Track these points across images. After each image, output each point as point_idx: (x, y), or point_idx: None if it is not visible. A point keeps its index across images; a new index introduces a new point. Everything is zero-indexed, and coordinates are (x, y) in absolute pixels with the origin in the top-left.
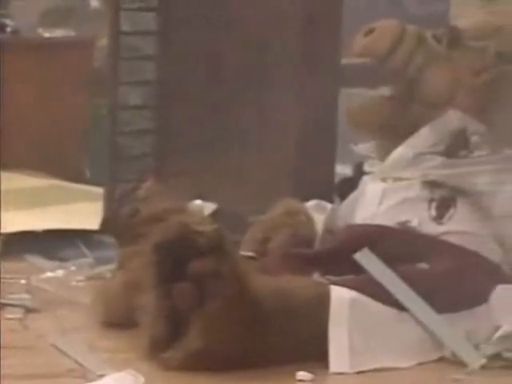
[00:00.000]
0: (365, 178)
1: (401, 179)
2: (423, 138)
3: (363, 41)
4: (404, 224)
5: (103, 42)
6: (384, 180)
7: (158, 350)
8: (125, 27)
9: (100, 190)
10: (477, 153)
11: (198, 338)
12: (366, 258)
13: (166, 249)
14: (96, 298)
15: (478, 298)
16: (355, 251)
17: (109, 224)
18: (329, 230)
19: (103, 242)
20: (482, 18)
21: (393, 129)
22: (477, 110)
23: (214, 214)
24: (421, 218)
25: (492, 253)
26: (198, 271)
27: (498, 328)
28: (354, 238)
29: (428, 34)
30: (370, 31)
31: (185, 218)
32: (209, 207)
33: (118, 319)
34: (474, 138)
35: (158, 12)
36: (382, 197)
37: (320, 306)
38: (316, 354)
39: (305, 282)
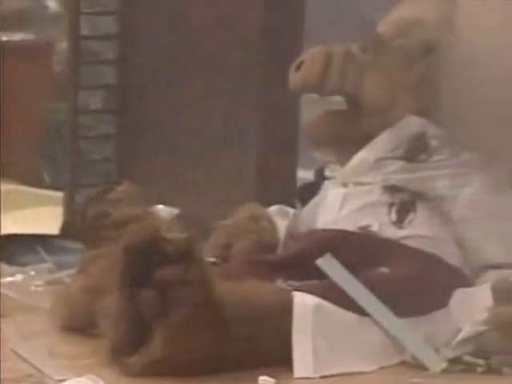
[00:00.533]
0: (326, 183)
1: (362, 184)
2: (383, 142)
3: (295, 76)
4: (365, 228)
5: (63, 45)
6: (345, 185)
7: (120, 355)
8: (85, 31)
9: (60, 195)
10: (436, 157)
11: (162, 344)
12: (328, 263)
13: (135, 252)
14: (56, 302)
15: (439, 301)
16: (318, 256)
17: (69, 228)
18: (291, 236)
19: (63, 246)
20: (398, 14)
21: (348, 140)
22: (419, 107)
23: (176, 219)
24: (381, 223)
25: (452, 256)
26: (165, 279)
27: (458, 331)
28: (316, 244)
29: (354, 48)
30: (299, 65)
31: (156, 223)
32: (170, 212)
33: (79, 324)
34: (434, 143)
35: (118, 16)
36: (343, 201)
37: (283, 312)
38: (280, 360)
39: (268, 288)
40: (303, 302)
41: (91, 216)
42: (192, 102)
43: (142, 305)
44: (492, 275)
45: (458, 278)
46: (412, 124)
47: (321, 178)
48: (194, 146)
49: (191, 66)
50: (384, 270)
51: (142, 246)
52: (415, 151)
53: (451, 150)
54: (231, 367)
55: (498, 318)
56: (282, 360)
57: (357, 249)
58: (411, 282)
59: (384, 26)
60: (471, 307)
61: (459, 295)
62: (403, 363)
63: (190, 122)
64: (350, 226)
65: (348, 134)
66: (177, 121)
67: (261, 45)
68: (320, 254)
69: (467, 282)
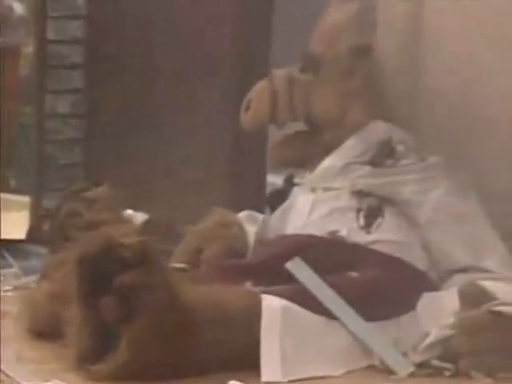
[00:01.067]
0: (295, 190)
1: (330, 189)
2: (350, 148)
3: (245, 117)
4: (334, 234)
5: (30, 49)
6: (314, 190)
7: (85, 362)
8: (52, 35)
9: (26, 200)
10: (403, 161)
11: (127, 350)
12: (297, 267)
13: (90, 263)
14: (22, 307)
15: (406, 305)
16: (287, 261)
17: (36, 233)
18: (260, 241)
19: (30, 251)
20: (323, 28)
21: (313, 156)
22: (372, 110)
23: (146, 225)
24: (350, 228)
25: (419, 260)
26: (124, 284)
27: (425, 335)
28: (285, 249)
29: (294, 71)
30: (248, 105)
31: (110, 231)
32: (140, 217)
33: (44, 328)
34: (400, 148)
35: (86, 20)
36: (312, 207)
37: (252, 316)
38: (248, 363)
39: (236, 291)
40: (271, 305)
41: (64, 213)
42: (160, 106)
43: (104, 312)
44: (459, 279)
45: (425, 282)
46: (378, 129)
47: (290, 184)
48: (162, 151)
49: (160, 70)
50: (353, 274)
51: (94, 256)
52: (382, 156)
53: (417, 155)
54: (199, 371)
55: (465, 322)
56: (251, 364)
57: (325, 254)
58: (379, 286)
59: (313, 42)
60: (438, 311)
61: (426, 299)
62: (371, 367)
63: (159, 127)
64: (319, 231)
65: (311, 150)
66: (145, 125)
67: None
68: (289, 258)
69: (434, 286)
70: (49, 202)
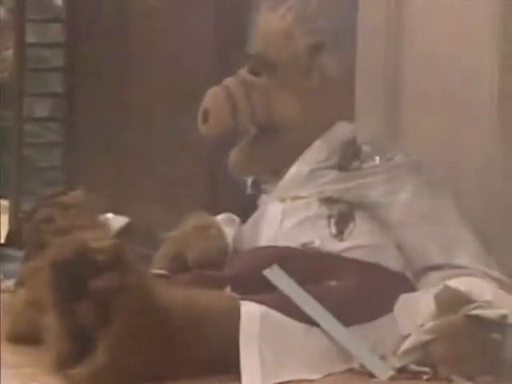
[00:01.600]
0: (264, 197)
1: (298, 198)
2: (315, 153)
3: (205, 127)
4: (307, 245)
5: (9, 52)
6: (283, 200)
7: (64, 366)
8: (31, 38)
9: (5, 203)
10: (369, 163)
11: (105, 353)
12: (275, 274)
13: (63, 268)
14: (1, 312)
15: (384, 308)
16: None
17: (15, 237)
18: (236, 251)
19: (9, 255)
20: (265, 29)
21: (277, 160)
22: (334, 109)
23: (126, 228)
24: (322, 237)
25: (394, 260)
26: (99, 288)
27: (403, 337)
28: (262, 261)
29: (245, 75)
30: (206, 116)
31: (83, 235)
32: (120, 221)
33: (24, 333)
34: (365, 148)
35: (65, 23)
36: (283, 217)
37: (231, 319)
38: (228, 367)
39: (215, 294)
40: (250, 310)
41: (38, 219)
42: (140, 110)
43: (81, 317)
44: (433, 276)
45: (402, 283)
46: (342, 131)
47: (258, 190)
48: (142, 154)
49: (139, 74)
50: (332, 283)
51: (66, 261)
52: (348, 159)
53: (384, 154)
54: (179, 374)
55: (443, 328)
56: (230, 366)
57: (301, 265)
58: (357, 292)
59: (257, 45)
60: (414, 312)
61: (402, 300)
62: (350, 370)
63: (139, 131)
64: (292, 242)
65: (275, 155)
66: (125, 129)
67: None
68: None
69: (411, 286)
70: (28, 206)
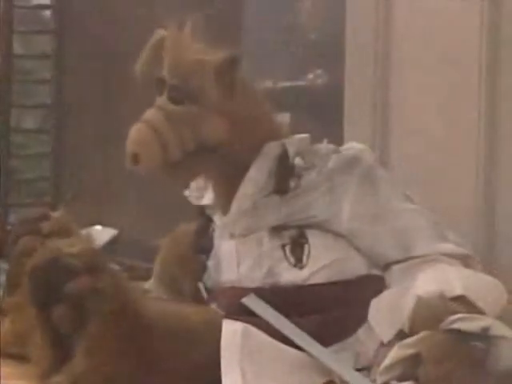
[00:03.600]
0: (217, 232)
1: (247, 233)
2: (253, 181)
3: (136, 169)
4: (270, 284)
5: None
6: (233, 236)
7: (48, 374)
8: (19, 50)
9: None
10: (306, 177)
11: (83, 359)
12: (252, 301)
13: (38, 275)
14: None
15: (360, 320)
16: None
17: (2, 247)
18: (208, 291)
19: None
20: (173, 58)
21: (220, 192)
22: (257, 130)
23: (115, 240)
24: (282, 270)
25: (359, 265)
26: (73, 292)
27: (384, 344)
28: (235, 304)
29: (165, 103)
30: (136, 159)
31: (56, 243)
32: (108, 232)
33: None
34: (297, 160)
35: (53, 35)
36: (238, 258)
37: (212, 333)
38: (209, 379)
39: (197, 306)
40: (232, 325)
41: (20, 251)
42: (129, 120)
43: (57, 322)
44: (396, 269)
45: (373, 285)
46: (271, 149)
47: (208, 219)
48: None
49: (128, 86)
50: (326, 315)
51: (41, 268)
52: (285, 178)
53: (319, 160)
54: (159, 381)
55: (425, 342)
56: (210, 379)
57: (272, 303)
58: (331, 319)
59: (170, 72)
60: (390, 315)
61: (374, 306)
62: (331, 381)
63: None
64: (254, 282)
65: (216, 184)
66: (113, 140)
67: None
68: (241, 312)
69: (383, 283)
70: (16, 217)
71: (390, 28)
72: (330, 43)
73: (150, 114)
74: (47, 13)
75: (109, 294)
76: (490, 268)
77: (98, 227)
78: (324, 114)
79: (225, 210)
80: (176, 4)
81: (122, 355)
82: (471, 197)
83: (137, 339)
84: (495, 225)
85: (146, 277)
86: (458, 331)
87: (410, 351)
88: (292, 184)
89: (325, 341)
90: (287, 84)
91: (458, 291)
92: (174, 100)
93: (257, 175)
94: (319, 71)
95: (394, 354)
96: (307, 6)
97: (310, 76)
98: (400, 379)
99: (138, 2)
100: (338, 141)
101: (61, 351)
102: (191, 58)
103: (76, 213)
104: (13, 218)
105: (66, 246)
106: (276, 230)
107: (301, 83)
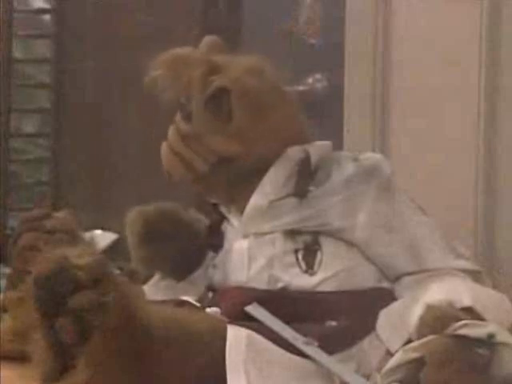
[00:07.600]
0: (228, 230)
1: (262, 234)
2: (272, 182)
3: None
4: (279, 289)
5: None
6: (246, 236)
7: (49, 382)
8: (18, 54)
9: None
10: (325, 184)
11: (84, 370)
12: (256, 310)
13: (44, 283)
14: None
15: (366, 329)
16: (244, 319)
17: (1, 252)
18: (209, 288)
19: None
20: (173, 78)
21: (236, 190)
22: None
23: (115, 244)
24: (292, 275)
25: (369, 276)
26: (77, 305)
27: (390, 353)
28: (242, 305)
29: (180, 124)
30: (169, 175)
31: (64, 252)
32: (109, 237)
33: (9, 355)
34: (318, 166)
35: (53, 39)
36: (250, 259)
37: (216, 337)
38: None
39: (201, 313)
40: (237, 331)
41: (22, 245)
42: (128, 125)
43: (60, 333)
44: (407, 280)
45: (381, 298)
46: (294, 153)
47: (221, 217)
48: (131, 170)
49: (127, 90)
50: (332, 323)
51: (48, 277)
52: (304, 183)
53: (333, 166)
54: None
55: (429, 346)
56: None
57: (278, 309)
58: (338, 327)
59: (180, 91)
60: (399, 326)
61: (382, 317)
62: None
63: (127, 146)
64: (263, 283)
65: (233, 184)
66: (114, 145)
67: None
68: (245, 315)
69: (391, 297)
70: (15, 222)
71: (390, 31)
72: (330, 48)
73: (170, 131)
74: (47, 17)
75: (113, 309)
76: (490, 268)
77: (99, 231)
78: (323, 119)
79: (240, 208)
80: (177, 9)
81: (125, 368)
82: (471, 197)
83: (140, 353)
84: (495, 225)
85: (146, 281)
86: (463, 337)
87: (414, 355)
88: (310, 189)
89: (328, 349)
90: (287, 89)
91: (466, 302)
92: (184, 118)
93: (276, 175)
94: (319, 76)
95: (398, 357)
96: (307, 10)
97: (310, 80)
98: (402, 383)
99: (138, 7)
100: (338, 145)
101: (62, 359)
102: (197, 80)
103: (76, 217)
104: (12, 222)
105: (74, 257)
106: (290, 234)
107: (300, 88)
